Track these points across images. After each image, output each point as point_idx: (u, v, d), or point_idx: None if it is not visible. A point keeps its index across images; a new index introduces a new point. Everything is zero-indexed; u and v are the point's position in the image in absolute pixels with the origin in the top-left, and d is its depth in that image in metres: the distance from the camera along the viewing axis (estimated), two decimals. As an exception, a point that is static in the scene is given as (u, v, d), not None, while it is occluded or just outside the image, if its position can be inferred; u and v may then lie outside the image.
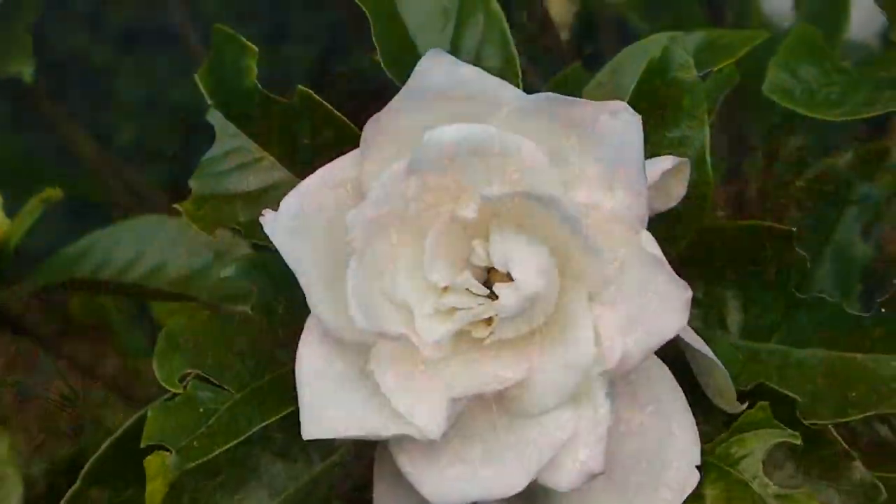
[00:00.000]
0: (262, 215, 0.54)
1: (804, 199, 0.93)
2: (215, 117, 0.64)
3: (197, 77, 0.65)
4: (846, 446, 0.57)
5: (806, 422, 0.56)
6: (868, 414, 0.58)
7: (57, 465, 0.97)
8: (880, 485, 0.56)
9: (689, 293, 0.51)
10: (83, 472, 0.61)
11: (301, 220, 0.54)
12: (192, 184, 0.63)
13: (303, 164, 0.62)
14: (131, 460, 0.59)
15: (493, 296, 0.53)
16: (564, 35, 1.02)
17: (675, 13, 1.04)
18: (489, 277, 0.54)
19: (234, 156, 0.64)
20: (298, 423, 0.54)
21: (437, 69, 0.53)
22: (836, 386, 0.59)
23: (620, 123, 0.52)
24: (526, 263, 0.52)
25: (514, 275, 0.53)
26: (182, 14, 1.27)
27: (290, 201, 0.54)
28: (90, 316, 1.00)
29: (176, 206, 0.63)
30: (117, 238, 0.85)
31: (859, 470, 0.57)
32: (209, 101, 0.64)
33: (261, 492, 0.61)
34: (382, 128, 0.54)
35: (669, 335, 0.51)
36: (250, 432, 0.55)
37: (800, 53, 0.70)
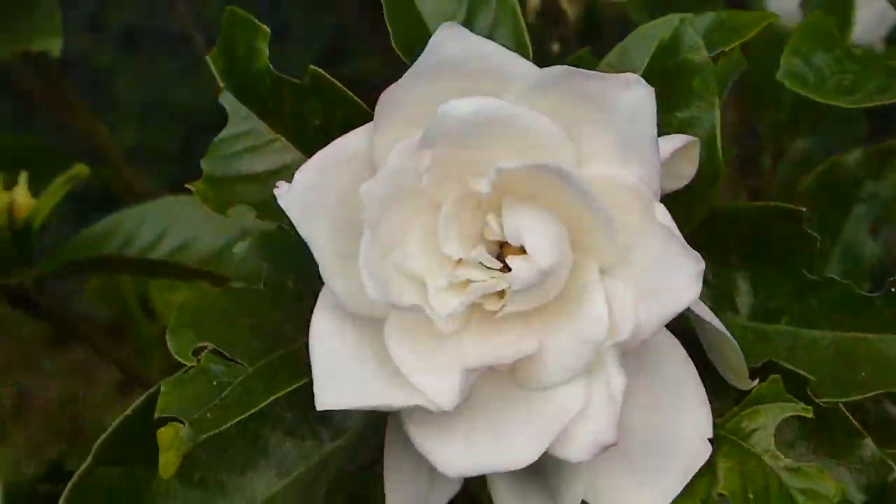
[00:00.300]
0: (277, 187, 0.54)
1: (812, 196, 0.94)
2: (227, 99, 0.64)
3: (209, 59, 0.65)
4: (857, 424, 0.57)
5: (817, 400, 0.57)
6: (877, 392, 0.58)
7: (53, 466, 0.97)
8: (891, 462, 0.56)
9: (702, 264, 0.51)
10: (93, 450, 0.61)
11: (315, 193, 0.54)
12: (204, 165, 0.63)
13: (315, 144, 0.62)
14: (141, 439, 0.59)
15: (506, 269, 0.54)
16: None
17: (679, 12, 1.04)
18: (502, 251, 0.55)
19: (245, 138, 0.64)
20: (308, 402, 0.54)
21: (451, 41, 0.53)
22: (846, 366, 0.59)
23: (634, 96, 0.52)
24: (539, 236, 0.53)
25: (527, 248, 0.53)
26: (185, 16, 1.27)
27: (303, 174, 0.54)
28: (107, 302, 1.01)
29: (188, 185, 0.63)
30: (143, 216, 0.85)
31: (869, 447, 0.57)
32: (221, 84, 0.65)
33: (270, 472, 0.61)
34: (396, 101, 0.54)
35: (682, 306, 0.52)
36: (263, 404, 0.55)
37: (812, 40, 0.71)
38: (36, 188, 0.87)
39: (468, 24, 0.64)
